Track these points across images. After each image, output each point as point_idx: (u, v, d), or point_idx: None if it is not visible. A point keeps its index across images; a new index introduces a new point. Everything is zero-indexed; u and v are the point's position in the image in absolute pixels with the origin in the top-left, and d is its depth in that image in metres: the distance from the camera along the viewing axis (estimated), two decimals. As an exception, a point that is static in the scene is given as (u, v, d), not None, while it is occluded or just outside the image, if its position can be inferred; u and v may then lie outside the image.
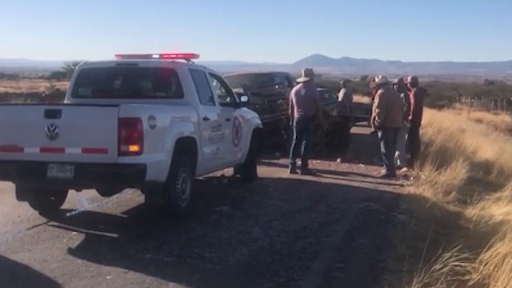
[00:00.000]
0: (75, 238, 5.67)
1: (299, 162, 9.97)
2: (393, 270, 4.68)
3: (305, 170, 9.86)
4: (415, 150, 11.11)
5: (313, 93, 10.09)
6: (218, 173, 8.96)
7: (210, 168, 7.66)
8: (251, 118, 9.03)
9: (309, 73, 10.22)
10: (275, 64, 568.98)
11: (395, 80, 11.25)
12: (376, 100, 9.98)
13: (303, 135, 9.93)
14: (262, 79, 15.12)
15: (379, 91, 10.03)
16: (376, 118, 9.88)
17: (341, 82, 17.77)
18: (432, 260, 4.31)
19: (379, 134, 10.00)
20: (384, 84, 10.23)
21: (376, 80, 10.51)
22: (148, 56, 7.60)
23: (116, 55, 7.85)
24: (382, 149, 9.97)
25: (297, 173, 9.78)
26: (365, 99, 25.52)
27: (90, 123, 5.70)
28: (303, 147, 9.92)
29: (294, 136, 10.03)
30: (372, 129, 10.45)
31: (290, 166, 9.90)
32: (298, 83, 10.32)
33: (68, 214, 6.63)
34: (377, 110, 9.86)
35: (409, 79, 11.42)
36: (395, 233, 5.92)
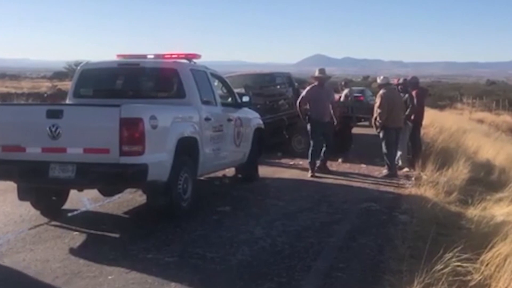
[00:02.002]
0: (77, 238, 5.68)
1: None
2: (395, 270, 4.67)
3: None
4: (417, 151, 11.10)
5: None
6: (219, 173, 8.96)
7: (212, 168, 7.66)
8: (252, 118, 9.04)
9: (323, 72, 10.23)
10: (276, 64, 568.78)
11: (400, 80, 11.21)
12: (378, 101, 9.98)
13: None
14: (264, 79, 15.12)
15: (381, 92, 10.03)
16: (378, 119, 9.88)
17: (343, 82, 17.75)
18: (433, 261, 4.30)
19: (381, 134, 10.01)
20: (386, 85, 10.22)
21: (378, 80, 10.52)
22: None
23: (118, 56, 7.86)
24: (384, 150, 9.97)
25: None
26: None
27: (92, 123, 5.71)
28: (324, 148, 10.01)
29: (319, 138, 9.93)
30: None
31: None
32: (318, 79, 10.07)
33: (69, 214, 6.63)
34: (378, 111, 9.86)
35: (408, 79, 11.40)
36: (397, 234, 5.92)
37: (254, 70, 17.58)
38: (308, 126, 9.96)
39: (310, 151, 9.86)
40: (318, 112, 9.82)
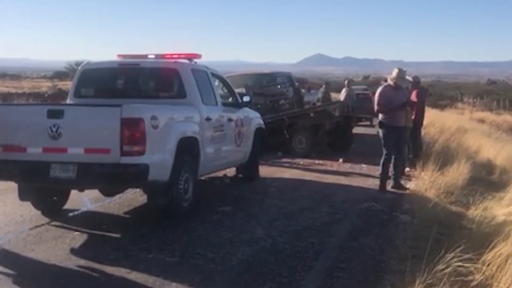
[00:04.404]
0: (78, 238, 5.68)
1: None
2: (396, 271, 4.67)
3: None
4: (417, 150, 11.08)
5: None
6: (220, 173, 8.96)
7: (213, 168, 7.66)
8: (253, 118, 9.04)
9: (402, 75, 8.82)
10: (277, 64, 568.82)
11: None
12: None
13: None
14: (264, 79, 15.15)
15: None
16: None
17: (345, 81, 17.72)
18: (434, 261, 4.29)
19: None
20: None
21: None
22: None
23: (119, 56, 7.86)
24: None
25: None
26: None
27: (93, 123, 5.71)
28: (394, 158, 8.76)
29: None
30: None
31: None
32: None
33: (70, 214, 6.64)
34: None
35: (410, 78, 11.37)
36: (398, 234, 5.91)
37: (255, 70, 17.61)
38: (381, 133, 8.75)
39: (382, 161, 8.68)
40: (392, 116, 8.59)
